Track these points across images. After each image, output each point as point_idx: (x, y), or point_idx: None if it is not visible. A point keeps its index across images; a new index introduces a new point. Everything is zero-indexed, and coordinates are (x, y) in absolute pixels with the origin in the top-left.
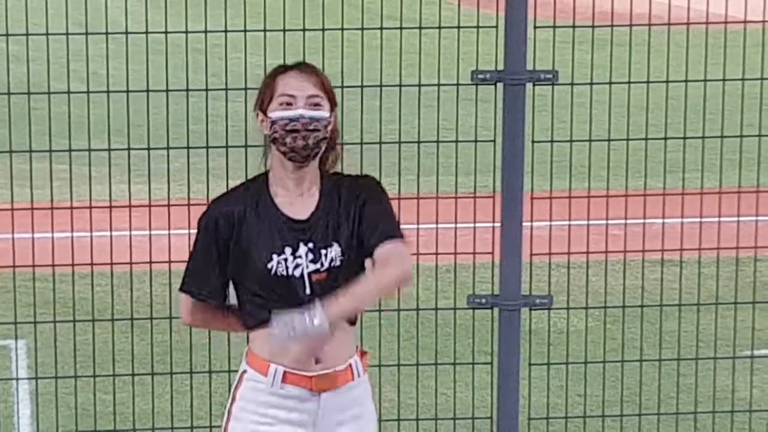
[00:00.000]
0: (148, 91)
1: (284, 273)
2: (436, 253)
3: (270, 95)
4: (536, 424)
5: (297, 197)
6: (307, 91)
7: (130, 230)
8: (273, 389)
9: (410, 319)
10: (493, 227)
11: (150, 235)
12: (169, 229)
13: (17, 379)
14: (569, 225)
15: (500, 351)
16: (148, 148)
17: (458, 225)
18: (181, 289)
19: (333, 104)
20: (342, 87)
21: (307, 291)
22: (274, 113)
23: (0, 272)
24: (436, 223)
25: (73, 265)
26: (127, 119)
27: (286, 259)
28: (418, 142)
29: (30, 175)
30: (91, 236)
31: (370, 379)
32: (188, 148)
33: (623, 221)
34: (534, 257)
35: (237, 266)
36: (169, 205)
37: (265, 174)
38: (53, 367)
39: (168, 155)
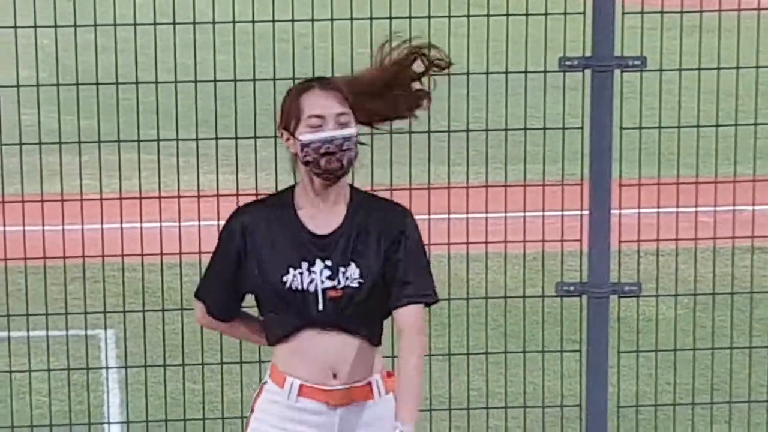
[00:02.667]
0: (235, 81)
1: (299, 287)
2: (524, 241)
3: (297, 116)
4: (625, 413)
5: (322, 212)
6: (334, 109)
7: (218, 220)
8: (289, 402)
9: (498, 308)
10: (581, 215)
11: None
12: None
13: (107, 368)
14: (658, 212)
15: (589, 339)
16: (236, 138)
17: (546, 213)
18: (196, 296)
19: (354, 110)
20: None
21: (320, 307)
22: (305, 136)
23: (89, 262)
24: (524, 211)
25: (161, 254)
26: (214, 109)
27: (301, 273)
28: (506, 130)
29: (118, 165)
30: (179, 226)
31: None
32: (275, 137)
33: (713, 208)
34: (622, 245)
35: (254, 279)
36: (257, 195)
37: (292, 187)
38: (142, 357)
39: (255, 145)
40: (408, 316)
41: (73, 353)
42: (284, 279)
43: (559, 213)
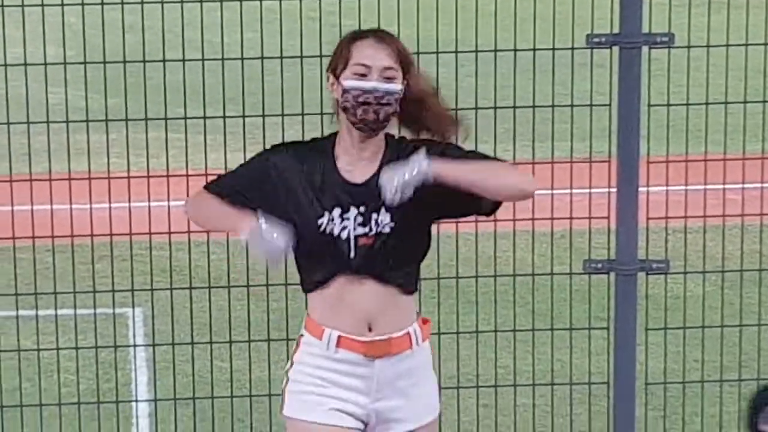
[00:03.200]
0: (262, 58)
1: (332, 232)
2: (552, 218)
3: (345, 61)
4: (653, 390)
5: (358, 162)
6: (383, 62)
7: None
8: (327, 353)
9: (526, 285)
10: (609, 192)
11: None
12: None
13: (134, 346)
14: (686, 189)
15: (617, 316)
16: (263, 116)
17: (574, 190)
18: (205, 187)
19: (406, 71)
20: (456, 52)
21: (352, 254)
22: (348, 82)
23: (117, 240)
24: (552, 188)
25: (189, 232)
26: (242, 87)
27: (333, 219)
28: (533, 107)
29: (146, 143)
30: None
31: (431, 347)
32: (302, 114)
33: (741, 185)
34: (650, 222)
35: (287, 216)
36: None
37: (334, 134)
38: (170, 335)
39: (282, 123)
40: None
41: (100, 332)
42: (319, 222)
43: (587, 190)
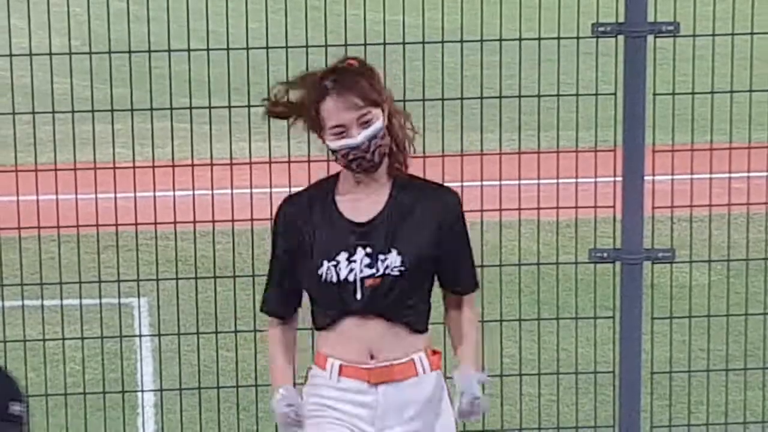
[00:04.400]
0: (267, 48)
1: (333, 279)
2: (557, 208)
3: (319, 125)
4: (659, 379)
5: (362, 199)
6: (354, 115)
7: (251, 188)
8: (331, 382)
9: (531, 274)
10: (615, 181)
11: (270, 193)
12: (290, 186)
13: (140, 336)
14: (691, 178)
15: (622, 305)
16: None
17: (579, 179)
18: (262, 310)
19: (380, 101)
20: (461, 42)
21: (358, 296)
22: (333, 144)
23: (122, 230)
24: (557, 177)
25: (194, 222)
26: (246, 77)
27: (337, 265)
28: (539, 96)
29: (151, 133)
30: (212, 194)
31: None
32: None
33: (746, 174)
34: (656, 211)
35: (299, 268)
36: (289, 162)
37: (337, 174)
38: (175, 325)
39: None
40: (463, 305)
41: (106, 321)
42: (319, 272)
43: (593, 179)
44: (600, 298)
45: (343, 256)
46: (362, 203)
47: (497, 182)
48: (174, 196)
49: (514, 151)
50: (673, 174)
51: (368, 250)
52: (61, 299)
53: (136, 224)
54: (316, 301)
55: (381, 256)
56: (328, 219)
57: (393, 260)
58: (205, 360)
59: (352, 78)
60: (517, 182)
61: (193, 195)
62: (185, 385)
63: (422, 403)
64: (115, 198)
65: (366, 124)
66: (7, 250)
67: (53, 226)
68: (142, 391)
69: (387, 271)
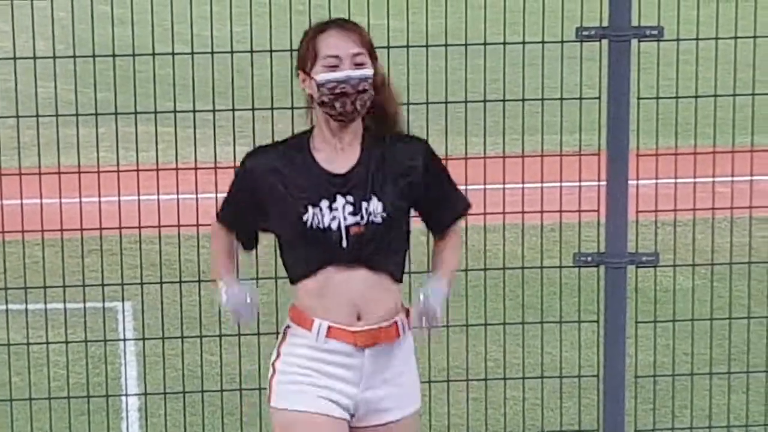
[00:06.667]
0: (252, 52)
1: (320, 225)
2: (542, 212)
3: (313, 56)
4: (643, 383)
5: (337, 152)
6: (351, 50)
7: None
8: (317, 344)
9: (515, 278)
10: (599, 185)
11: None
12: None
13: (124, 340)
14: (675, 183)
15: (606, 309)
16: (253, 109)
17: (563, 184)
18: (218, 220)
19: (374, 59)
20: (446, 45)
21: (344, 244)
22: (321, 76)
23: (106, 235)
24: (541, 181)
25: (179, 226)
26: (231, 81)
27: (321, 211)
28: (523, 100)
29: (135, 137)
30: (197, 198)
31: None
32: (292, 108)
33: (730, 178)
34: (640, 215)
35: (274, 219)
36: None
37: (309, 131)
38: (160, 329)
39: (272, 116)
40: (449, 231)
41: (90, 326)
42: (304, 218)
43: (577, 184)
44: (584, 302)
45: (324, 204)
46: (338, 156)
47: (481, 186)
48: (158, 199)
49: (498, 155)
50: (657, 178)
51: (349, 198)
52: (45, 303)
53: (120, 228)
54: (296, 250)
55: (364, 203)
56: (306, 168)
57: (375, 206)
58: (190, 364)
59: (356, 24)
60: (501, 186)
61: (178, 199)
62: (169, 389)
63: (400, 364)
64: (99, 202)
65: (359, 66)
66: None
67: (37, 230)
68: (126, 395)
69: (371, 218)
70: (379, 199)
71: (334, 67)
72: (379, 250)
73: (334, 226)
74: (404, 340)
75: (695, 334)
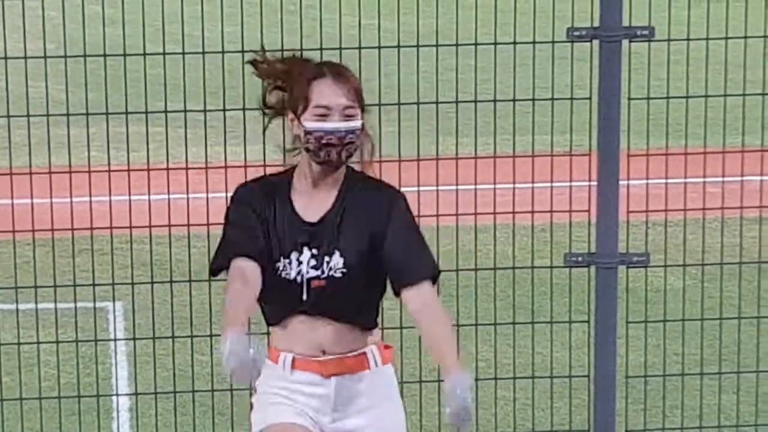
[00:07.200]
0: (243, 52)
1: (287, 276)
2: (532, 212)
3: (305, 102)
4: (633, 383)
5: (315, 196)
6: (343, 102)
7: (227, 192)
8: (284, 374)
9: (506, 279)
10: (590, 186)
11: None
12: None
13: (115, 340)
14: (666, 183)
15: (597, 309)
16: (244, 109)
17: (554, 184)
18: (216, 268)
19: (363, 110)
20: (437, 46)
21: (305, 297)
22: (309, 124)
23: (97, 234)
24: (532, 182)
25: (170, 226)
26: (222, 81)
27: (290, 263)
28: (514, 101)
29: (126, 137)
30: (188, 198)
31: (396, 373)
32: (283, 109)
33: (721, 179)
34: (630, 215)
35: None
36: (264, 167)
37: (292, 169)
38: (150, 329)
39: (264, 117)
40: (421, 296)
41: (81, 325)
42: (277, 266)
43: (568, 184)
44: (575, 302)
45: (294, 256)
46: (314, 201)
47: (472, 186)
48: (149, 199)
49: (489, 155)
50: (647, 178)
51: (314, 251)
52: (36, 303)
53: (111, 228)
54: (267, 297)
55: (326, 258)
56: (284, 215)
57: (336, 261)
58: (180, 364)
59: (350, 73)
60: (492, 186)
61: (168, 199)
62: (160, 389)
63: (374, 395)
64: (90, 202)
65: (349, 117)
66: None
67: (28, 230)
68: (117, 395)
69: (331, 273)
70: (341, 254)
71: (323, 116)
72: (342, 302)
73: (298, 279)
74: (378, 373)
75: (686, 335)
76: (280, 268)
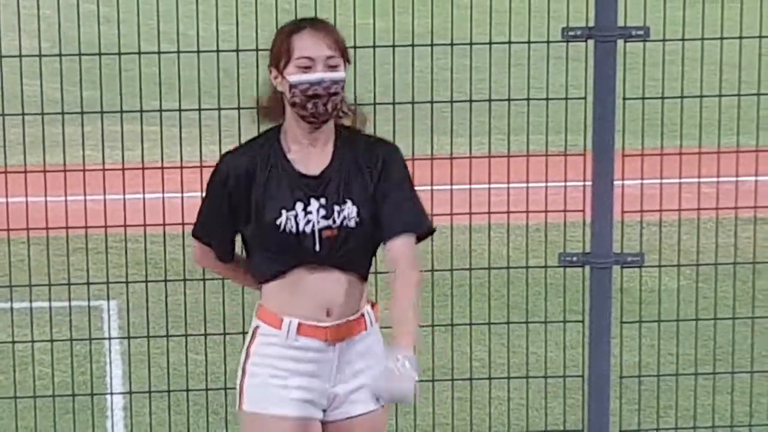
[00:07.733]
0: (237, 51)
1: (293, 230)
2: (527, 212)
3: (287, 55)
4: (628, 383)
5: (310, 152)
6: (325, 52)
7: None
8: (288, 341)
9: (501, 278)
10: (584, 186)
11: None
12: None
13: (109, 339)
14: (661, 183)
15: (591, 309)
16: (239, 108)
17: (549, 184)
18: (193, 235)
19: (347, 61)
20: (431, 45)
21: (317, 248)
22: (294, 77)
23: (92, 233)
24: (527, 181)
25: (164, 225)
26: (217, 80)
27: (296, 215)
28: (509, 100)
29: (121, 136)
30: (182, 197)
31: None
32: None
33: (715, 179)
34: (625, 215)
35: (247, 221)
36: None
37: (277, 128)
38: (145, 328)
39: (258, 116)
40: (399, 248)
41: (75, 324)
42: (278, 222)
43: (562, 184)
44: (569, 302)
45: (299, 207)
46: (311, 157)
47: (467, 186)
48: (144, 198)
49: (484, 155)
50: (642, 178)
51: (322, 201)
52: (31, 301)
53: (106, 227)
54: (268, 252)
55: (336, 207)
56: (280, 171)
57: (349, 211)
58: (175, 363)
59: (330, 25)
60: (486, 186)
61: (163, 198)
62: (154, 387)
63: (370, 354)
64: (85, 200)
65: (332, 68)
66: None
67: (23, 228)
68: (111, 393)
69: (344, 222)
70: (354, 203)
71: (307, 69)
72: (351, 253)
73: (308, 229)
74: (372, 331)
75: (680, 335)
76: (284, 222)
